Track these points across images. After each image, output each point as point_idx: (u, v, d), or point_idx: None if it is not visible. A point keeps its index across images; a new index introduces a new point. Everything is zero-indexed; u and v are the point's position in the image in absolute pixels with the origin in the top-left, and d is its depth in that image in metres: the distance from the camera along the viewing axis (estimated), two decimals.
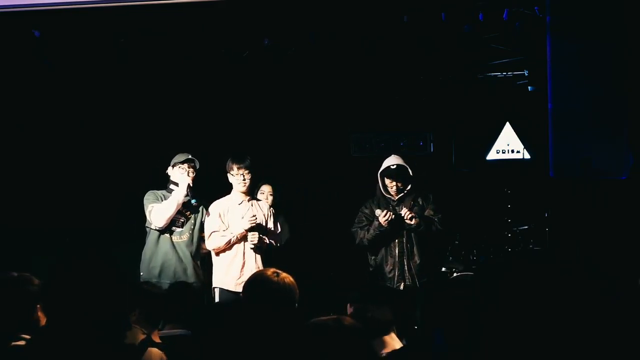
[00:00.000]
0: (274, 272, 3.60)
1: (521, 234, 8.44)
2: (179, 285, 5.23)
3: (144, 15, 6.53)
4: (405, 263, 6.53)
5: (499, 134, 9.23)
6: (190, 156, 6.44)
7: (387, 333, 3.84)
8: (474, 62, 8.36)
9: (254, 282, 3.65)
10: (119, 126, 8.45)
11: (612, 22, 5.67)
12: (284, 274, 3.60)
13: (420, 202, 6.65)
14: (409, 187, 6.63)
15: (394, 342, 3.84)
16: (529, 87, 8.33)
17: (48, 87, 7.91)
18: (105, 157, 8.39)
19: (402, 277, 6.52)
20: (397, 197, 6.63)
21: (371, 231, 6.56)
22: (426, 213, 6.61)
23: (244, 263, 6.30)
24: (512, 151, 9.17)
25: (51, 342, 2.39)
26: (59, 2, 6.25)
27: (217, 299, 6.29)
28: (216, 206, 6.45)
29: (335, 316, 2.83)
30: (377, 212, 6.51)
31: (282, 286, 3.53)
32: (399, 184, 6.61)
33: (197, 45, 7.36)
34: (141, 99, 8.44)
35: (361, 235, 6.65)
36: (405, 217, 6.47)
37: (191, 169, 6.42)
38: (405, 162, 6.66)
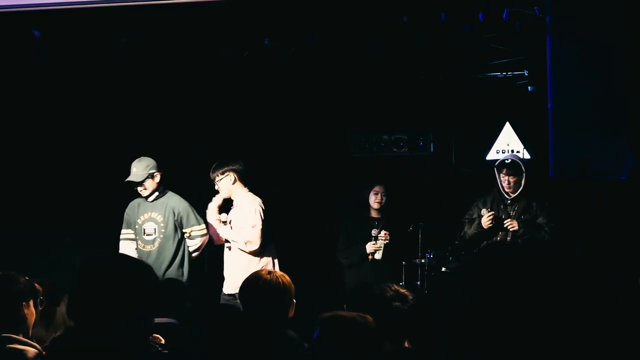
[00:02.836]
0: (267, 272, 3.65)
1: None
2: (165, 281, 5.36)
3: (144, 15, 6.53)
4: None
5: (499, 134, 9.23)
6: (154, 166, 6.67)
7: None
8: (474, 62, 8.35)
9: (248, 282, 3.67)
10: (119, 126, 8.45)
11: (612, 22, 5.67)
12: (278, 273, 3.65)
13: (534, 208, 6.65)
14: (521, 186, 6.67)
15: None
16: (529, 87, 8.33)
17: (48, 87, 7.91)
18: (106, 156, 8.39)
19: None
20: (512, 197, 6.67)
21: (472, 229, 6.67)
22: (538, 220, 6.63)
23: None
24: (512, 151, 9.16)
25: (75, 345, 2.35)
26: (59, 2, 6.25)
27: None
28: None
29: (358, 313, 2.88)
30: (483, 211, 6.58)
31: (275, 284, 3.56)
32: (512, 179, 6.65)
33: (197, 45, 7.36)
34: (141, 99, 8.44)
35: (465, 229, 6.75)
36: (506, 226, 6.54)
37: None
38: (522, 163, 6.80)
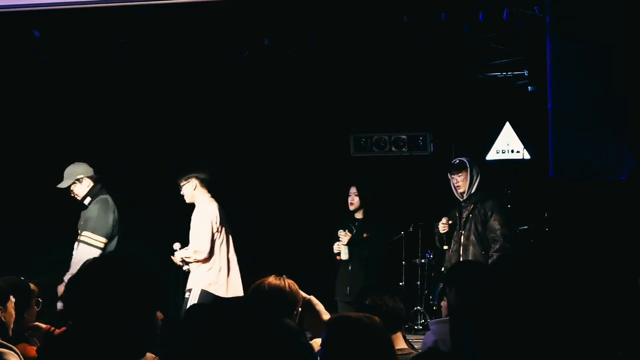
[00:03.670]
0: (276, 277, 3.62)
1: (521, 234, 8.44)
2: None
3: (144, 15, 6.53)
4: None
5: (499, 134, 9.23)
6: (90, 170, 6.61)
7: (396, 332, 3.86)
8: (474, 62, 8.35)
9: (256, 285, 3.66)
10: (119, 126, 8.45)
11: (612, 22, 5.67)
12: (289, 280, 3.62)
13: (485, 209, 6.54)
14: (469, 183, 6.58)
15: (399, 341, 3.85)
16: (529, 87, 8.33)
17: (48, 87, 7.91)
18: (105, 156, 8.38)
19: None
20: (464, 198, 6.62)
21: (436, 233, 6.77)
22: (490, 223, 6.49)
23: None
24: (512, 151, 9.16)
25: (74, 345, 2.34)
26: (59, 2, 6.25)
27: None
28: None
29: (365, 314, 2.89)
30: (444, 219, 6.62)
31: (283, 288, 3.54)
32: (459, 177, 6.59)
33: (197, 45, 7.36)
34: (141, 99, 8.44)
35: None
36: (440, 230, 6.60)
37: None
38: (468, 161, 6.67)
